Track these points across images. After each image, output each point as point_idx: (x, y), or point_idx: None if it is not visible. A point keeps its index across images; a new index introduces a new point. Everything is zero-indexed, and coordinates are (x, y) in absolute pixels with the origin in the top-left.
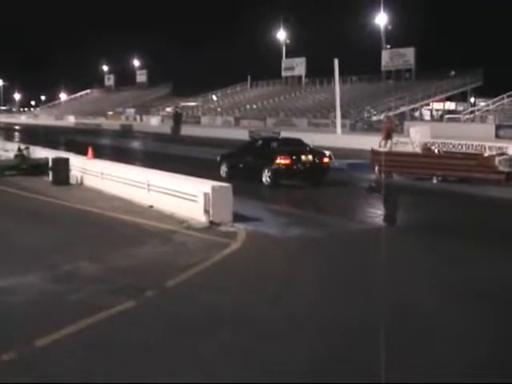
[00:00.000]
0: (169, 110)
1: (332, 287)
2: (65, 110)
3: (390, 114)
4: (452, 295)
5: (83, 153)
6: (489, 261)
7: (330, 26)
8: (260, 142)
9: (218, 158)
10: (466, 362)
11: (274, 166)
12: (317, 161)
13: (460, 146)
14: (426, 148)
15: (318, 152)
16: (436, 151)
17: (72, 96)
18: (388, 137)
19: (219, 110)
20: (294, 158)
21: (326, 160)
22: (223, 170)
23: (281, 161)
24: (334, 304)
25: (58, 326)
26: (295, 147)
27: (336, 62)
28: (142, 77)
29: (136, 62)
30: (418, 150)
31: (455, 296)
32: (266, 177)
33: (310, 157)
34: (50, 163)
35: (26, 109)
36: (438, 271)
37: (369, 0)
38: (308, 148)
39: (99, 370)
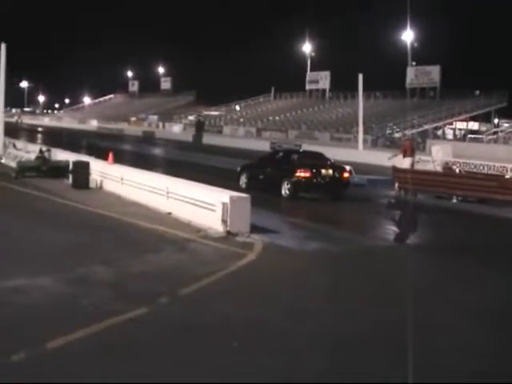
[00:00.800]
0: (191, 118)
1: (345, 302)
2: (88, 113)
3: (412, 131)
4: (467, 314)
5: (104, 157)
6: (507, 282)
7: (356, 40)
8: (281, 153)
9: (238, 169)
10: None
11: (294, 179)
12: (337, 175)
13: (482, 167)
14: (447, 167)
15: (338, 166)
16: (457, 171)
17: (96, 100)
18: (408, 154)
19: (242, 120)
20: (314, 171)
21: (346, 175)
22: (242, 180)
23: (301, 173)
24: (346, 318)
25: (70, 329)
26: (316, 161)
27: (360, 77)
28: (166, 84)
29: (161, 69)
30: (439, 168)
31: (470, 315)
32: (285, 189)
33: (331, 171)
34: (71, 166)
35: (49, 111)
36: (447, 290)
37: (396, 16)
38: (329, 162)
39: (108, 375)
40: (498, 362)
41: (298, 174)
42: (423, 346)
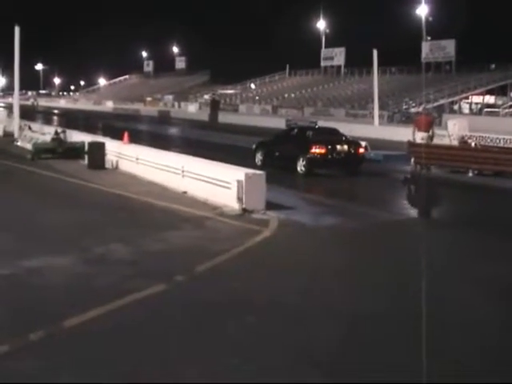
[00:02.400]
0: (206, 97)
1: (362, 279)
2: (103, 95)
3: (429, 106)
4: (484, 291)
5: (119, 138)
6: None
7: (370, 16)
8: (295, 130)
9: (254, 146)
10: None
11: (309, 155)
12: (352, 151)
13: (498, 140)
14: (463, 141)
15: (353, 142)
16: (473, 144)
17: (111, 81)
18: (423, 129)
19: (257, 98)
20: (329, 147)
21: (361, 150)
22: (258, 157)
23: (316, 150)
24: (363, 296)
25: (88, 307)
26: (331, 137)
27: (375, 52)
28: (180, 63)
29: (175, 49)
30: (455, 143)
31: (487, 291)
32: (300, 166)
33: (346, 147)
34: (86, 147)
35: (65, 93)
36: (470, 266)
37: None
38: (344, 138)
39: (126, 351)
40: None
41: (313, 150)
42: (443, 322)
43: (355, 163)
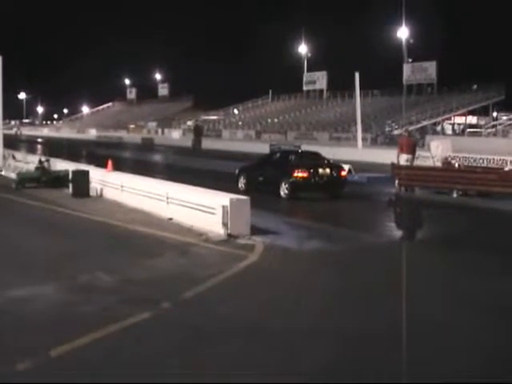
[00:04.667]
0: (190, 123)
1: (349, 302)
2: (87, 123)
3: (411, 128)
4: (468, 308)
5: (104, 165)
6: (507, 275)
7: (351, 39)
8: (278, 155)
9: (237, 171)
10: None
11: (292, 179)
12: (334, 174)
13: (481, 161)
14: (447, 162)
15: (335, 165)
16: (456, 165)
17: (94, 109)
18: (407, 151)
19: (240, 123)
20: (311, 171)
21: (343, 173)
22: (241, 182)
23: (298, 174)
24: (349, 319)
25: (73, 336)
26: (313, 160)
27: (357, 75)
28: (163, 90)
29: (158, 76)
30: (438, 164)
31: (471, 309)
32: (283, 190)
33: (328, 170)
34: (70, 175)
35: (48, 122)
36: (455, 285)
37: (390, 14)
38: (326, 161)
39: (114, 379)
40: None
41: (295, 174)
42: (429, 344)
43: (338, 186)
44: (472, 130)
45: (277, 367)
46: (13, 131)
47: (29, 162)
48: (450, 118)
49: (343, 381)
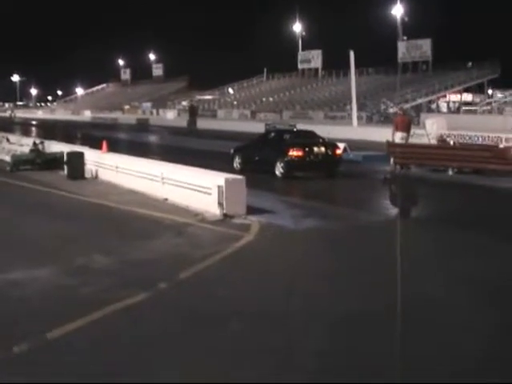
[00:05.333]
0: (185, 103)
1: (345, 280)
2: (81, 104)
3: (406, 106)
4: (465, 287)
5: (98, 147)
6: (504, 253)
7: (346, 17)
8: (273, 134)
9: (232, 151)
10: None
11: (287, 158)
12: (329, 153)
13: (476, 138)
14: (442, 140)
15: (330, 144)
16: (451, 143)
17: (88, 90)
18: (402, 129)
19: (235, 103)
20: (306, 149)
21: (338, 152)
22: (236, 162)
23: (293, 153)
24: (346, 297)
25: (71, 318)
26: (308, 139)
27: (352, 53)
28: (158, 70)
29: (152, 56)
30: (433, 141)
31: (468, 288)
32: (279, 169)
33: (323, 149)
34: (65, 157)
35: (42, 104)
36: (451, 263)
37: None
38: (321, 140)
39: (111, 362)
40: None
41: (290, 153)
42: (422, 320)
43: (333, 165)
44: (467, 107)
45: (277, 350)
46: (7, 114)
47: (23, 144)
48: (445, 96)
49: (341, 360)
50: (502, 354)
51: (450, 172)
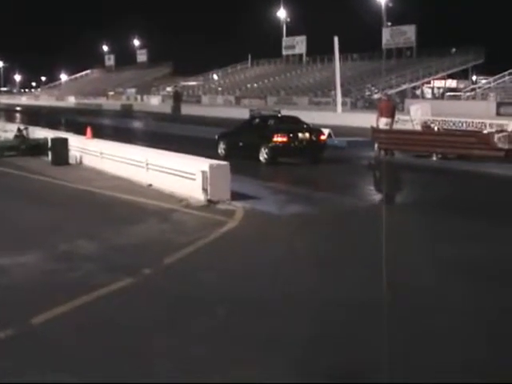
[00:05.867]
0: (169, 89)
1: (330, 265)
2: (65, 90)
3: (391, 91)
4: (449, 272)
5: (83, 133)
6: (488, 237)
7: (330, 3)
8: (257, 120)
9: (216, 137)
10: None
11: (271, 144)
12: (314, 138)
13: (460, 124)
14: (426, 126)
15: (315, 129)
16: (435, 129)
17: (72, 77)
18: (386, 115)
19: (220, 89)
20: (291, 135)
21: (323, 137)
22: (221, 148)
23: (278, 138)
24: (332, 282)
25: (55, 304)
26: (292, 125)
27: (336, 39)
28: (142, 56)
29: (136, 42)
30: (418, 127)
31: (452, 273)
32: (263, 155)
33: (307, 134)
34: (50, 143)
35: (26, 90)
36: (435, 248)
37: None
38: (305, 126)
39: (96, 348)
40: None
41: (275, 139)
42: (408, 306)
43: (317, 150)
44: (451, 93)
45: (261, 336)
46: None
47: (7, 130)
48: (429, 82)
49: (327, 346)
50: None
51: (434, 158)
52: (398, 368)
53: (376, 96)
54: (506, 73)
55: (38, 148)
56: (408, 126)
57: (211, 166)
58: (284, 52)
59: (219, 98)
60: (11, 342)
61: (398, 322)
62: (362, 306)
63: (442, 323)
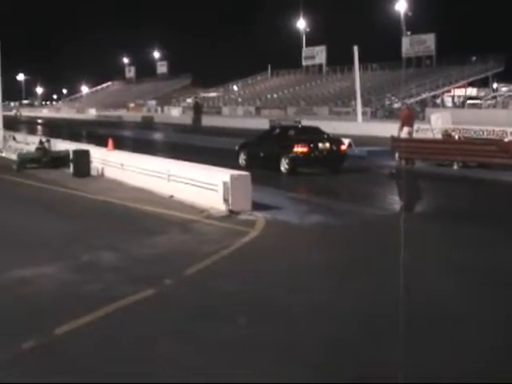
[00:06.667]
0: (189, 100)
1: (351, 275)
2: (86, 102)
3: (411, 100)
4: (471, 281)
5: (104, 144)
6: (509, 246)
7: (349, 13)
8: (278, 130)
9: (237, 148)
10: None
11: (292, 154)
12: (334, 148)
13: (481, 132)
14: (446, 134)
15: (335, 140)
16: (456, 137)
17: (93, 89)
18: (407, 124)
19: (240, 100)
20: (311, 145)
21: (343, 147)
22: (242, 158)
23: (298, 149)
24: (351, 292)
25: (78, 314)
26: (313, 135)
27: (355, 49)
28: (162, 68)
29: (156, 54)
30: (438, 136)
31: (474, 282)
32: (284, 165)
33: (328, 144)
34: (71, 155)
35: (47, 102)
36: (457, 257)
37: None
38: (325, 136)
39: (117, 358)
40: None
41: (295, 149)
42: (426, 315)
43: (338, 160)
44: (472, 101)
45: (281, 342)
46: (12, 113)
47: (29, 142)
48: (449, 91)
49: (342, 352)
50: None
51: (455, 166)
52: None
53: (396, 105)
54: None
55: (60, 160)
56: (428, 135)
57: (232, 177)
58: (304, 62)
59: (239, 109)
60: (35, 353)
61: (414, 332)
62: (377, 315)
63: (461, 332)
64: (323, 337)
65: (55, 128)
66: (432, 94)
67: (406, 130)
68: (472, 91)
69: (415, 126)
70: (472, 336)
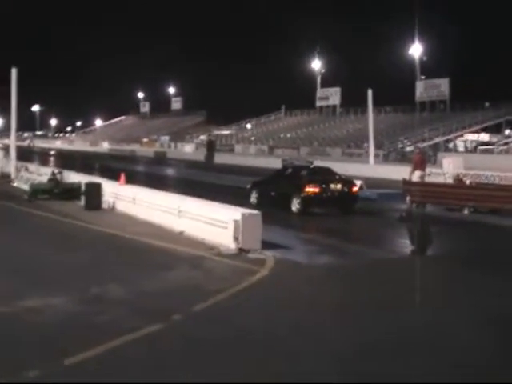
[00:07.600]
0: (203, 137)
1: (357, 316)
2: (100, 136)
3: (424, 144)
4: (477, 324)
5: (116, 178)
6: None
7: (365, 56)
8: (290, 170)
9: (248, 186)
10: None
11: (304, 194)
12: (346, 190)
13: (493, 178)
14: (458, 179)
15: (347, 181)
16: (468, 182)
17: (107, 122)
18: (420, 168)
19: (253, 138)
20: (323, 186)
21: (355, 189)
22: (253, 197)
23: (310, 189)
24: (358, 332)
25: (86, 346)
26: (325, 176)
27: (370, 92)
28: (176, 104)
29: (171, 89)
30: (450, 180)
31: (481, 325)
32: (295, 205)
33: (339, 185)
34: (83, 188)
35: (61, 134)
36: (465, 302)
37: (404, 30)
38: (337, 177)
39: None
40: None
41: (307, 189)
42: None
43: (349, 202)
44: (484, 147)
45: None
46: (26, 143)
47: (41, 173)
48: (462, 135)
49: None
50: None
51: (466, 211)
52: None
53: (409, 149)
54: None
55: (72, 192)
56: (440, 179)
57: (243, 215)
58: (318, 103)
59: (252, 148)
60: (43, 382)
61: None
62: (381, 353)
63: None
64: (328, 373)
65: (68, 160)
66: (445, 138)
67: (418, 173)
68: (485, 137)
69: (427, 170)
70: None
